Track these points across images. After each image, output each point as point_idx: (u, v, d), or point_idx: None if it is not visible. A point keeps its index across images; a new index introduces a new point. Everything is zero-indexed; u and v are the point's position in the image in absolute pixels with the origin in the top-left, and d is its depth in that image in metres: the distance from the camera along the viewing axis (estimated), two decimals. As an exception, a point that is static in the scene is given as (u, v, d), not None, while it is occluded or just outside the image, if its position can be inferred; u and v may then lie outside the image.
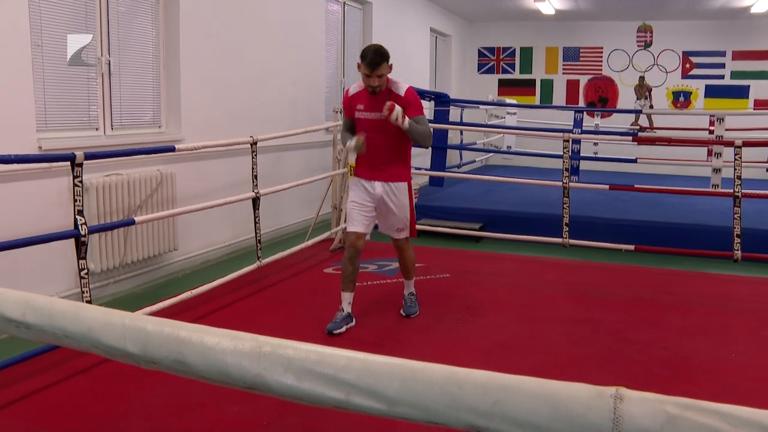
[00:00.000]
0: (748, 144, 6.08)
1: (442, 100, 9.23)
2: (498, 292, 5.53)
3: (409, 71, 10.87)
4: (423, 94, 9.08)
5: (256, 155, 5.40)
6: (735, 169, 5.83)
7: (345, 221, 4.68)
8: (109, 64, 5.19)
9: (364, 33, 9.76)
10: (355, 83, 4.47)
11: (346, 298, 4.53)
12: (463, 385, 0.74)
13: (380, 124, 4.31)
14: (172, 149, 4.75)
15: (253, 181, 5.40)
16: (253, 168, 5.39)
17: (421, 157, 9.75)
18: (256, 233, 5.41)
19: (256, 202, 5.36)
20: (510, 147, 11.57)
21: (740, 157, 5.84)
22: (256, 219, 5.39)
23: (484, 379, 0.75)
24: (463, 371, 0.77)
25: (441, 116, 9.04)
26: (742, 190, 5.86)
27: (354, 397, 0.78)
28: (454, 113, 11.17)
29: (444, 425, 0.76)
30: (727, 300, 5.53)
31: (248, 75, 6.75)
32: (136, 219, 4.52)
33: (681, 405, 0.66)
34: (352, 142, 4.29)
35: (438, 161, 8.82)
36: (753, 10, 12.23)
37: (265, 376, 0.79)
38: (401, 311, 4.81)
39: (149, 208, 5.27)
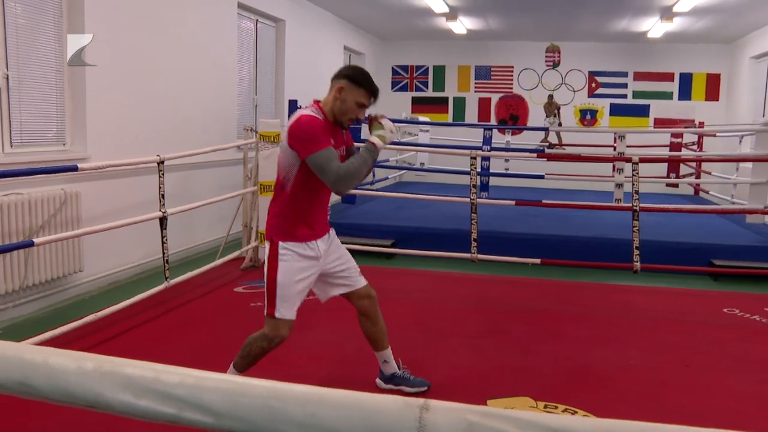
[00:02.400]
0: (645, 160, 6.38)
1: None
2: (408, 308, 5.60)
3: (322, 89, 10.89)
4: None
5: (163, 174, 5.33)
6: (633, 184, 6.09)
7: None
8: (8, 78, 5.04)
9: (278, 51, 9.76)
10: (311, 111, 3.31)
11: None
12: (283, 398, 0.78)
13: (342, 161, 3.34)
14: (75, 168, 4.61)
15: (160, 201, 5.32)
16: (160, 187, 5.31)
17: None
18: (163, 253, 5.33)
19: (163, 221, 5.28)
20: (423, 164, 11.74)
21: (638, 173, 6.11)
22: (164, 239, 5.31)
23: (302, 392, 0.79)
24: (285, 386, 0.81)
25: (352, 134, 9.10)
26: (640, 204, 6.12)
27: (185, 412, 0.81)
28: (366, 131, 11.27)
29: None
30: (628, 309, 5.77)
31: (159, 92, 6.66)
32: (37, 240, 4.39)
33: (481, 413, 0.72)
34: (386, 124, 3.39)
35: (351, 178, 8.86)
36: (650, 35, 12.91)
37: (106, 394, 0.81)
38: None
39: (52, 229, 5.13)
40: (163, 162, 5.31)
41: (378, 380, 3.94)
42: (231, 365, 3.55)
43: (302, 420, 0.74)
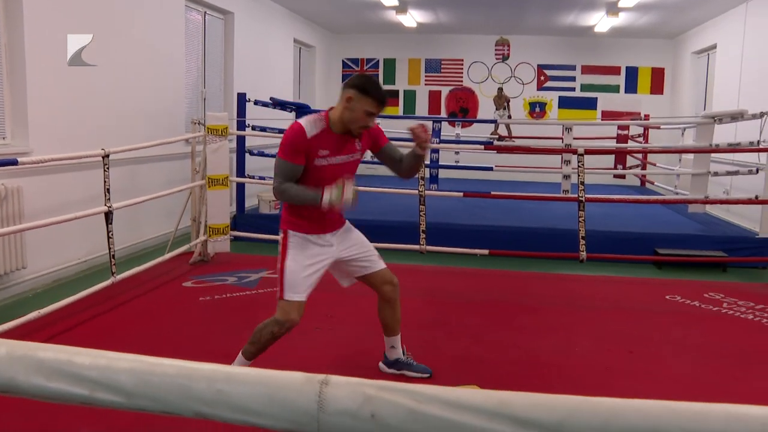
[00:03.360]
0: (590, 152, 6.48)
1: (303, 111, 9.27)
2: (356, 301, 5.60)
3: (272, 82, 10.88)
4: (285, 105, 9.11)
5: (108, 168, 5.24)
6: (579, 176, 6.20)
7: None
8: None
9: (226, 43, 9.67)
10: (307, 121, 3.41)
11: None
12: (192, 376, 0.80)
13: (351, 166, 3.57)
14: (14, 162, 4.52)
15: (105, 195, 5.23)
16: (105, 181, 5.22)
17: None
18: (109, 248, 5.25)
19: (108, 216, 5.19)
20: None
21: (583, 164, 6.22)
22: (110, 234, 5.23)
23: (210, 370, 0.81)
24: (193, 364, 0.83)
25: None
26: (586, 195, 6.24)
27: (97, 393, 0.82)
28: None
29: (176, 414, 0.82)
30: (574, 298, 5.88)
31: (104, 84, 6.53)
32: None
33: (377, 386, 0.74)
34: (346, 193, 3.37)
35: (301, 172, 8.84)
36: (597, 30, 13.13)
37: (18, 378, 0.82)
38: None
39: (-7, 225, 5.02)
40: (108, 156, 5.22)
41: (381, 364, 4.09)
42: (240, 353, 3.67)
43: (210, 397, 0.76)
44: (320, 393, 0.74)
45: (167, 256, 6.24)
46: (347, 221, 3.75)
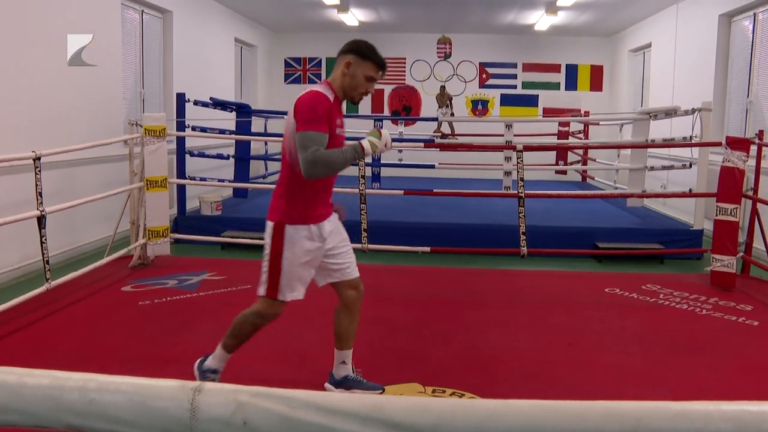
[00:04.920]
0: (528, 148, 6.57)
1: (243, 111, 9.19)
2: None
3: (212, 82, 10.74)
4: (225, 106, 9.01)
5: (39, 171, 5.09)
6: (518, 172, 6.28)
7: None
8: None
9: (165, 43, 9.51)
10: (322, 87, 3.23)
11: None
12: (63, 387, 0.77)
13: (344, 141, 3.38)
14: (-61, 167, 4.38)
15: (37, 199, 5.09)
16: (36, 185, 5.08)
17: (226, 169, 9.67)
18: (43, 254, 5.11)
19: (41, 220, 5.05)
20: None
21: (522, 161, 6.29)
22: (43, 239, 5.08)
23: (82, 379, 0.79)
24: (64, 374, 0.81)
25: (243, 127, 9.00)
26: (526, 191, 6.31)
27: None
28: (258, 124, 11.15)
29: (49, 428, 0.79)
30: (515, 293, 5.95)
31: (36, 85, 6.35)
32: None
33: (251, 393, 0.73)
34: (384, 135, 3.30)
35: (241, 172, 8.77)
36: (537, 28, 13.32)
37: None
38: None
39: None
40: (39, 158, 5.08)
41: (327, 384, 3.74)
42: (219, 346, 3.52)
43: (81, 408, 0.74)
44: (193, 401, 0.72)
45: (105, 260, 6.11)
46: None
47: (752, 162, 6.52)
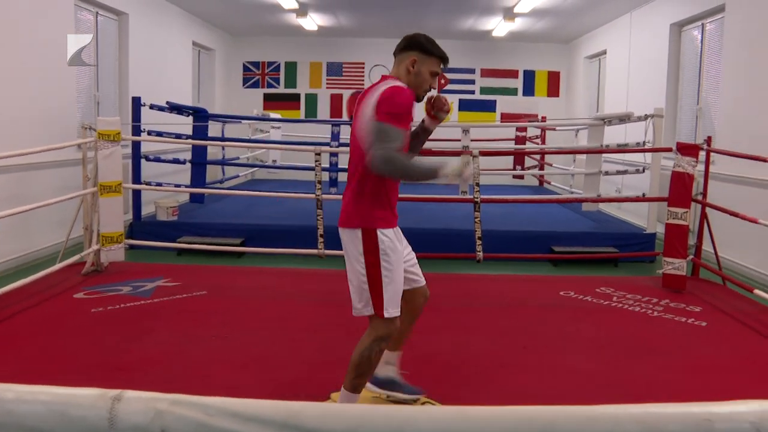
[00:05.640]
0: (484, 153, 6.62)
1: (200, 115, 9.12)
2: (255, 306, 5.56)
3: (169, 86, 10.63)
4: (182, 110, 8.93)
5: (-12, 176, 5.01)
6: (473, 177, 6.32)
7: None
8: None
9: (121, 45, 9.38)
10: (396, 83, 3.07)
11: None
12: None
13: None
14: None
15: (-14, 204, 4.99)
16: (-15, 190, 4.98)
17: (182, 174, 9.57)
18: (-9, 260, 5.01)
19: (-10, 226, 4.96)
20: (275, 161, 11.66)
21: (478, 166, 6.34)
22: (-9, 245, 4.99)
23: (1, 391, 0.78)
24: None
25: (200, 131, 8.93)
26: (481, 196, 6.37)
27: None
28: (215, 128, 11.07)
29: None
30: (471, 298, 5.99)
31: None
32: None
33: (169, 401, 0.73)
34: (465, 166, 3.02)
35: (198, 177, 8.70)
36: (495, 34, 13.45)
37: None
38: None
39: None
40: (-13, 163, 4.98)
41: (369, 385, 3.55)
42: (343, 390, 3.23)
43: None
44: (111, 409, 0.72)
45: (57, 266, 6.00)
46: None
47: (702, 167, 6.66)
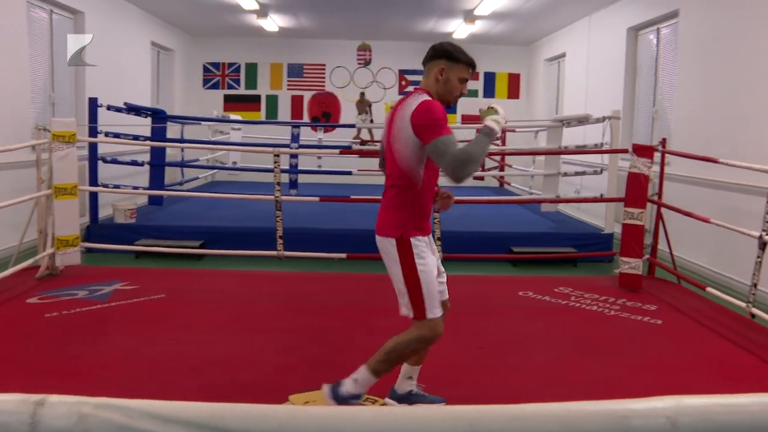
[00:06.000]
0: (443, 155, 6.63)
1: (158, 117, 9.02)
2: (214, 309, 5.51)
3: (128, 87, 10.49)
4: (140, 111, 8.83)
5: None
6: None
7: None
8: None
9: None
10: (426, 96, 3.17)
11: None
12: None
13: None
14: None
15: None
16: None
17: (141, 176, 9.46)
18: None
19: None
20: (236, 163, 11.57)
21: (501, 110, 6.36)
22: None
23: None
24: None
25: (158, 133, 8.83)
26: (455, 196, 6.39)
27: None
28: (175, 130, 10.96)
29: None
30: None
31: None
32: None
33: (93, 404, 0.73)
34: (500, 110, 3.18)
35: (156, 179, 8.60)
36: (455, 36, 13.52)
37: None
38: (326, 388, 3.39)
39: None
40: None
41: (388, 399, 3.63)
42: (365, 368, 3.29)
43: None
44: (34, 414, 0.71)
45: (10, 271, 5.87)
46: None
47: (658, 168, 6.78)
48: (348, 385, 3.30)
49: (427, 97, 3.14)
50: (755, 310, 5.11)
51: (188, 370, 4.14)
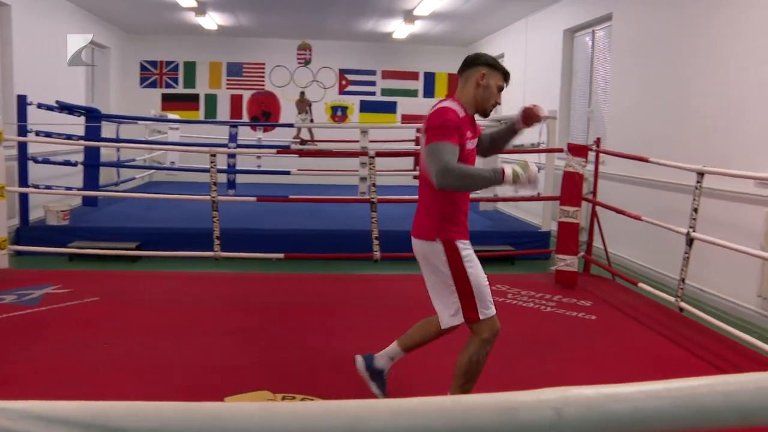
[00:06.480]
0: (380, 154, 6.67)
1: (93, 115, 8.82)
2: (150, 311, 5.41)
3: (61, 84, 10.21)
4: (73, 109, 8.61)
5: None
6: (370, 177, 6.36)
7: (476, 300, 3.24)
8: None
9: (3, 39, 8.91)
10: (450, 103, 3.19)
11: None
12: None
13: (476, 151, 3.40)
14: None
15: None
16: None
17: (75, 177, 9.23)
18: None
19: None
20: (174, 163, 11.39)
21: (374, 166, 6.38)
22: None
23: None
24: None
25: (92, 132, 8.63)
26: (378, 196, 6.41)
27: None
28: (110, 129, 10.74)
29: None
30: (369, 297, 6.01)
31: None
32: None
33: None
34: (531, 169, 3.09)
35: (91, 180, 8.40)
36: (395, 36, 13.59)
37: None
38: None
39: None
40: None
41: (359, 358, 3.77)
42: (455, 389, 3.33)
43: None
44: None
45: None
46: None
47: (593, 167, 6.91)
48: None
49: (451, 103, 3.18)
50: (683, 304, 5.27)
51: (122, 374, 4.05)
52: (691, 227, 5.15)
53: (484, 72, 3.25)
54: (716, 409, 0.66)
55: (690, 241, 5.18)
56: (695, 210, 5.15)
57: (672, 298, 5.38)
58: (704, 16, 6.34)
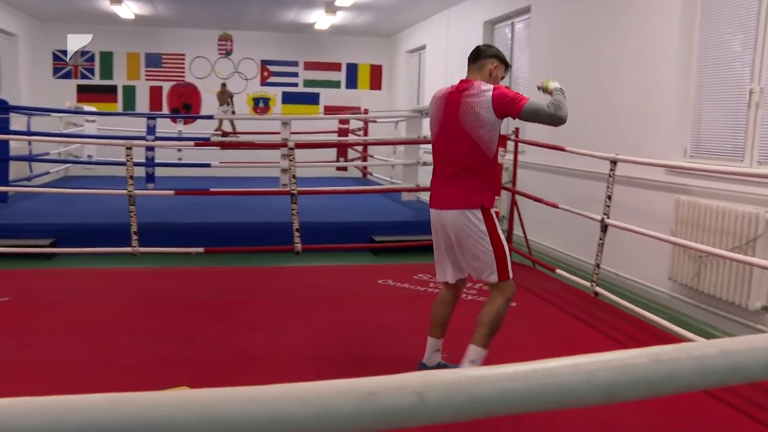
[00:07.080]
0: (300, 146, 6.64)
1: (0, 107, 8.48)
2: (63, 310, 5.26)
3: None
4: (-22, 101, 8.26)
5: None
6: (290, 169, 6.31)
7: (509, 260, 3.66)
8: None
9: None
10: (489, 85, 3.67)
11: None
12: None
13: None
14: None
15: None
16: None
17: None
18: None
19: None
20: (91, 156, 11.04)
21: (294, 158, 6.34)
22: None
23: None
24: None
25: (0, 125, 8.30)
26: (298, 188, 6.38)
27: None
28: (20, 121, 10.35)
29: None
30: (290, 290, 6.00)
31: None
32: None
33: None
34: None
35: (-1, 174, 8.09)
36: (317, 27, 13.53)
37: None
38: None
39: None
40: None
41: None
42: (475, 347, 3.66)
43: None
44: None
45: None
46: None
47: (513, 156, 7.03)
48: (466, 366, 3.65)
49: (490, 85, 3.62)
50: (598, 289, 5.43)
51: (31, 376, 3.93)
52: (605, 214, 5.31)
53: (496, 64, 3.77)
54: (580, 388, 0.68)
55: (604, 228, 5.34)
56: (609, 197, 5.30)
57: (588, 283, 5.53)
58: (619, 10, 6.52)
